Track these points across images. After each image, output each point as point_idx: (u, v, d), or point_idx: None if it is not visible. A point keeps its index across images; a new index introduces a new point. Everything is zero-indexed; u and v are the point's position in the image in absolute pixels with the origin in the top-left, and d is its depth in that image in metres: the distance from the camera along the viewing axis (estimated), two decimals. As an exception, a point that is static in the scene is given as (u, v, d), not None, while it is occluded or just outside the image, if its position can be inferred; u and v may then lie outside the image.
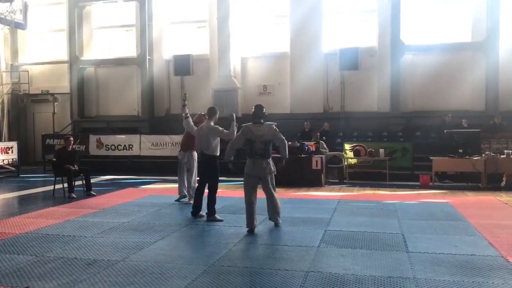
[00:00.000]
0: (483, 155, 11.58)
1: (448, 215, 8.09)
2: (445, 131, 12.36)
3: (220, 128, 7.72)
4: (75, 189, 10.43)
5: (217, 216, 7.69)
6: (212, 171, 7.71)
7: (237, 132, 7.41)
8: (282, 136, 7.11)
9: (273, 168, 7.07)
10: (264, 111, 7.16)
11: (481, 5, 15.27)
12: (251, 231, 6.84)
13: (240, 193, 10.46)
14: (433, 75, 15.56)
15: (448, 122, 13.46)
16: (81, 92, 18.87)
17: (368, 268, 5.10)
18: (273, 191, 7.14)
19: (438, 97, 15.60)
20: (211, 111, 7.92)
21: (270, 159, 7.09)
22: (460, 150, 11.64)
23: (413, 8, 16.09)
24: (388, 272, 4.95)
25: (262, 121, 7.08)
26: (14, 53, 19.87)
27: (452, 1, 15.95)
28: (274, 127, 7.11)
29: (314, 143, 12.62)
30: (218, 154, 7.78)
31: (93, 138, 16.21)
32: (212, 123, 7.77)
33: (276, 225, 7.21)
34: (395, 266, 5.18)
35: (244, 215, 7.01)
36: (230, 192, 10.83)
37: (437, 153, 12.43)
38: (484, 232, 6.70)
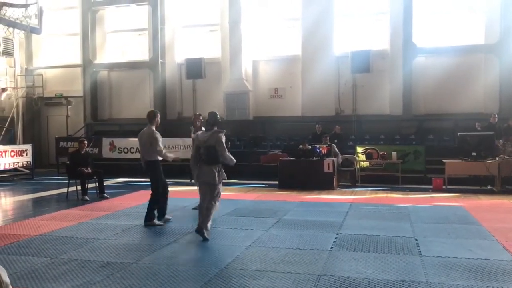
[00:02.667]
0: (497, 158, 11.46)
1: (461, 218, 8.02)
2: (458, 134, 12.25)
3: (159, 139, 7.34)
4: (88, 191, 10.52)
5: (156, 221, 7.55)
6: (152, 176, 7.55)
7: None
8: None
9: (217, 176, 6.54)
10: (217, 117, 6.70)
11: (495, 7, 15.15)
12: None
13: (251, 196, 10.52)
14: (445, 78, 15.46)
15: (495, 123, 13.01)
16: (94, 95, 19.07)
17: (380, 271, 5.08)
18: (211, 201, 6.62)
19: (450, 99, 15.49)
20: (150, 115, 7.58)
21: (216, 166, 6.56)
22: (474, 153, 11.53)
23: (425, 10, 16.02)
24: (401, 276, 4.93)
25: (215, 128, 6.61)
26: (29, 57, 20.16)
27: (465, 3, 15.86)
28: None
29: (326, 146, 12.60)
30: (157, 159, 7.46)
31: (106, 141, 16.33)
32: (153, 128, 7.47)
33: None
34: (408, 270, 5.15)
35: (256, 218, 7.01)
36: (241, 195, 10.84)
37: (450, 156, 12.34)
38: (499, 236, 6.63)
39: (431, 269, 5.15)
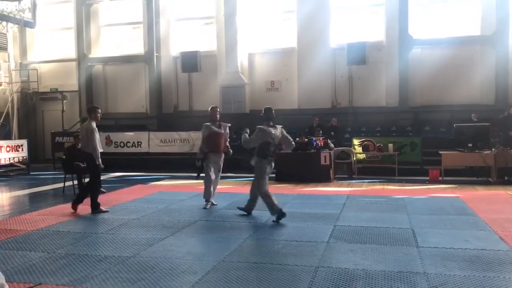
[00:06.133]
0: (493, 149, 11.49)
1: (458, 209, 8.04)
2: (454, 125, 12.27)
3: (96, 132, 7.92)
4: (85, 186, 10.50)
5: (103, 208, 8.21)
6: (92, 167, 8.07)
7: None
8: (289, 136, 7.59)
9: None
10: (273, 113, 7.42)
11: (490, -2, 15.11)
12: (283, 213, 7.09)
13: (249, 189, 10.50)
14: (441, 69, 15.44)
15: (476, 120, 13.10)
16: (90, 89, 18.97)
17: (378, 263, 5.10)
18: None
19: (447, 91, 15.49)
20: (88, 110, 8.32)
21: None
22: (470, 144, 11.55)
23: (421, 2, 15.98)
24: (398, 267, 4.94)
25: (271, 123, 7.37)
26: (23, 51, 20.01)
27: (461, -6, 15.86)
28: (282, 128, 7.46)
29: (322, 139, 12.60)
30: (95, 152, 7.94)
31: (102, 135, 16.17)
32: (93, 123, 8.02)
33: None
34: (405, 261, 5.16)
35: (253, 211, 7.13)
36: (239, 188, 10.84)
37: (446, 147, 12.36)
38: (495, 226, 6.66)
39: (428, 259, 5.17)
